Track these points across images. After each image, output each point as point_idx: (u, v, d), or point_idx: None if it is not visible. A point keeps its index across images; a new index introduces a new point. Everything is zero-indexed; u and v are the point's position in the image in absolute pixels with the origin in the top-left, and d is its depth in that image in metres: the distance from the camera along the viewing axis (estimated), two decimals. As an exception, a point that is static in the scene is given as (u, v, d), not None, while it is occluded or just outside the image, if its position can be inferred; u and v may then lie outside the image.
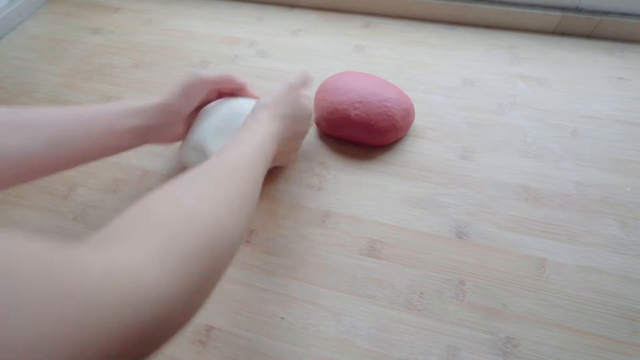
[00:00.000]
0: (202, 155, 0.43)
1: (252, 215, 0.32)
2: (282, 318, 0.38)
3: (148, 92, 0.59)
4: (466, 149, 0.50)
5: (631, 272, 0.39)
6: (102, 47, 0.67)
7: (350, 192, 0.47)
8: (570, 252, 0.41)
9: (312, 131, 0.53)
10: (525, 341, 0.36)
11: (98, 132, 0.37)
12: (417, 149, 0.50)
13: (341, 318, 0.38)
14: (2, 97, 0.60)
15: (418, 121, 0.53)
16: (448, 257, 0.41)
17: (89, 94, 0.60)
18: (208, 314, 0.38)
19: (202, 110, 0.46)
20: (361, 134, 0.49)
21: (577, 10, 0.62)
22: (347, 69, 0.61)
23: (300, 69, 0.47)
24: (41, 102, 0.59)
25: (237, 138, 0.35)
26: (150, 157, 0.51)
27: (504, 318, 0.37)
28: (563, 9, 0.62)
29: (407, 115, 0.49)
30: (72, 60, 0.65)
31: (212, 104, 0.46)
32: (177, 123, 0.44)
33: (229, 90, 0.48)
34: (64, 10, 0.76)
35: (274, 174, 0.48)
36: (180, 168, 0.50)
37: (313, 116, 0.47)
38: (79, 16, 0.74)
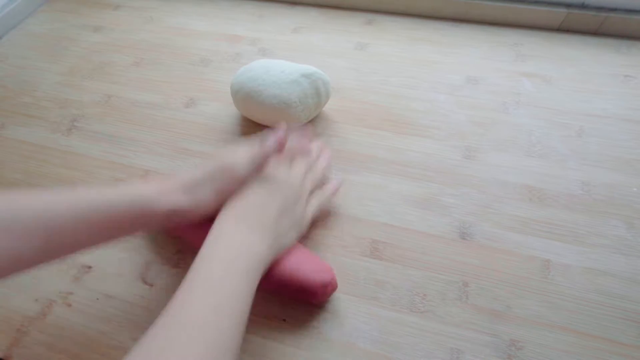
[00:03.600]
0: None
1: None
2: (284, 320, 0.38)
3: (149, 90, 0.59)
4: (470, 148, 0.49)
5: (638, 274, 0.39)
6: (103, 45, 0.67)
7: (352, 192, 0.46)
8: (576, 253, 0.40)
9: (315, 129, 0.52)
10: (530, 344, 0.36)
11: (104, 236, 0.32)
12: (420, 148, 0.50)
13: (343, 320, 0.37)
14: (2, 96, 0.60)
15: (421, 120, 0.53)
16: (451, 258, 0.41)
17: (90, 92, 0.59)
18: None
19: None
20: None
21: (583, 6, 0.61)
22: (349, 66, 0.60)
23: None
24: (42, 101, 0.59)
25: (210, 262, 0.30)
26: (151, 156, 0.51)
27: (507, 320, 0.37)
28: (568, 5, 0.61)
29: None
30: (72, 59, 0.65)
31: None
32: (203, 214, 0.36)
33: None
34: (65, 8, 0.76)
35: (275, 173, 0.48)
36: (180, 168, 0.50)
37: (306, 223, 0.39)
38: (79, 14, 0.74)
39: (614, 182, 0.45)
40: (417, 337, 0.36)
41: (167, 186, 0.33)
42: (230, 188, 0.35)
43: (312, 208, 0.40)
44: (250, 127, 0.53)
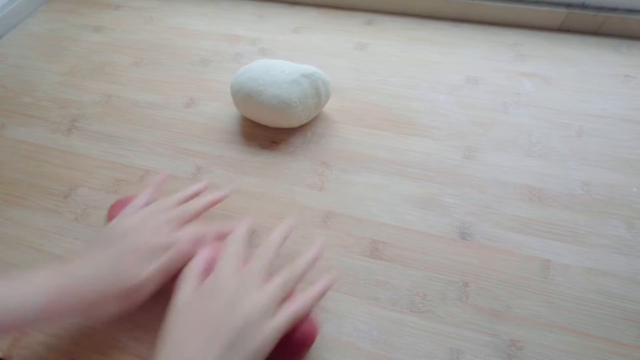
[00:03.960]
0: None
1: None
2: (284, 320, 0.38)
3: (149, 90, 0.59)
4: (470, 148, 0.49)
5: (638, 274, 0.39)
6: (103, 45, 0.67)
7: (352, 192, 0.46)
8: (576, 253, 0.40)
9: (315, 129, 0.52)
10: (530, 344, 0.36)
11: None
12: (420, 148, 0.50)
13: (343, 320, 0.37)
14: (2, 96, 0.60)
15: (421, 120, 0.53)
16: (451, 258, 0.41)
17: (90, 92, 0.59)
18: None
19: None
20: None
21: (583, 6, 0.61)
22: (349, 66, 0.60)
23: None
24: (42, 101, 0.59)
25: None
26: (151, 156, 0.51)
27: (507, 320, 0.37)
28: (569, 5, 0.61)
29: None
30: (72, 59, 0.65)
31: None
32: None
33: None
34: (65, 8, 0.76)
35: (274, 173, 0.48)
36: (181, 169, 0.50)
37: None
38: (79, 14, 0.74)
39: (614, 182, 0.45)
40: (417, 337, 0.36)
41: (61, 305, 0.30)
42: (136, 304, 0.33)
43: (281, 321, 0.30)
44: (250, 127, 0.53)
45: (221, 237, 0.36)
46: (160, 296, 0.39)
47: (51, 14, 0.75)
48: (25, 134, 0.55)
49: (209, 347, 0.27)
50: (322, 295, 0.33)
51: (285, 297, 0.32)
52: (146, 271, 0.32)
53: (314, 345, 0.36)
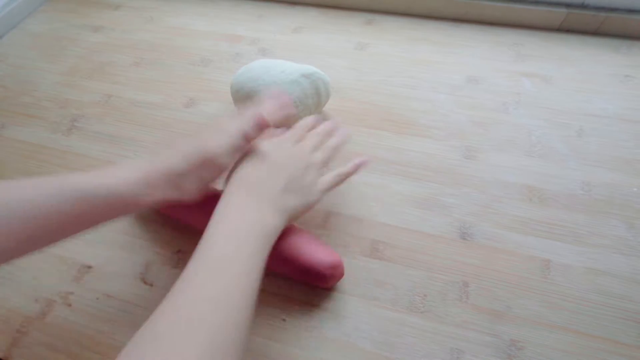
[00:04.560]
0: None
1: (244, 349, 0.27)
2: (284, 320, 0.38)
3: (149, 90, 0.59)
4: (470, 148, 0.49)
5: (638, 274, 0.39)
6: (103, 45, 0.67)
7: (352, 192, 0.46)
8: (576, 253, 0.40)
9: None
10: (530, 344, 0.35)
11: (86, 226, 0.32)
12: (420, 148, 0.50)
13: (343, 320, 0.37)
14: (2, 96, 0.60)
15: (421, 120, 0.53)
16: (452, 258, 0.41)
17: (90, 92, 0.59)
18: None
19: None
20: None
21: (583, 6, 0.61)
22: (349, 66, 0.60)
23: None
24: (42, 101, 0.59)
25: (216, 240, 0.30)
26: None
27: (508, 320, 0.37)
28: (568, 5, 0.61)
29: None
30: (72, 59, 0.65)
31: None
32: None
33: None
34: (65, 8, 0.76)
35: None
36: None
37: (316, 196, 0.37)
38: (79, 14, 0.74)
39: (614, 182, 0.45)
40: (417, 337, 0.36)
41: (152, 178, 0.33)
42: (214, 178, 0.36)
43: (325, 180, 0.38)
44: (250, 127, 0.53)
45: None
46: (159, 295, 0.39)
47: (51, 14, 0.75)
48: (25, 134, 0.55)
49: (274, 184, 0.35)
50: (355, 170, 0.40)
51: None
52: (220, 145, 0.35)
53: (314, 345, 0.36)
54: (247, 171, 0.36)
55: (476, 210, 0.44)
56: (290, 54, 0.63)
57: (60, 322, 0.38)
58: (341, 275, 0.38)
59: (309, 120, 0.42)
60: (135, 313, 0.38)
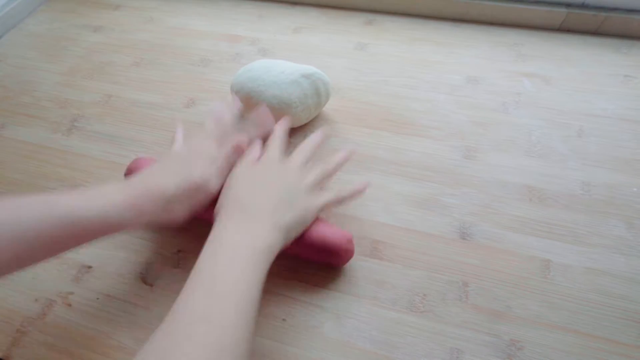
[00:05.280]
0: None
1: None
2: (284, 320, 0.38)
3: (149, 90, 0.59)
4: (470, 148, 0.49)
5: (638, 274, 0.39)
6: (103, 45, 0.67)
7: (352, 192, 0.46)
8: (576, 253, 0.40)
9: (315, 129, 0.52)
10: (530, 344, 0.35)
11: (73, 245, 0.32)
12: (420, 148, 0.50)
13: (343, 320, 0.37)
14: (2, 96, 0.60)
15: (421, 120, 0.53)
16: (451, 258, 0.41)
17: (90, 92, 0.59)
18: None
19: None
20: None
21: (583, 6, 0.61)
22: (349, 66, 0.60)
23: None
24: (42, 101, 0.59)
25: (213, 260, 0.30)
26: (151, 156, 0.51)
27: (508, 320, 0.37)
28: (568, 5, 0.61)
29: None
30: (72, 59, 0.65)
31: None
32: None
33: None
34: (64, 7, 0.76)
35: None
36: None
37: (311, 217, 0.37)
38: (79, 14, 0.74)
39: (614, 182, 0.45)
40: (417, 337, 0.36)
41: (141, 202, 0.33)
42: (203, 204, 0.37)
43: (323, 197, 0.38)
44: (250, 127, 0.53)
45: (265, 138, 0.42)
46: (159, 295, 0.39)
47: (51, 14, 0.75)
48: (25, 134, 0.55)
49: (267, 201, 0.34)
50: (356, 193, 0.40)
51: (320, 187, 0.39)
52: (209, 172, 0.36)
53: (314, 345, 0.36)
54: (237, 192, 0.36)
55: (476, 210, 0.44)
56: (290, 54, 0.63)
57: (60, 322, 0.38)
58: (352, 252, 0.39)
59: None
60: (135, 313, 0.38)
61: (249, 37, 0.66)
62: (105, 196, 0.32)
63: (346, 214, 0.44)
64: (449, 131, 0.51)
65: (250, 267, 0.30)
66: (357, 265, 0.41)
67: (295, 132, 0.52)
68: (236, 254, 0.30)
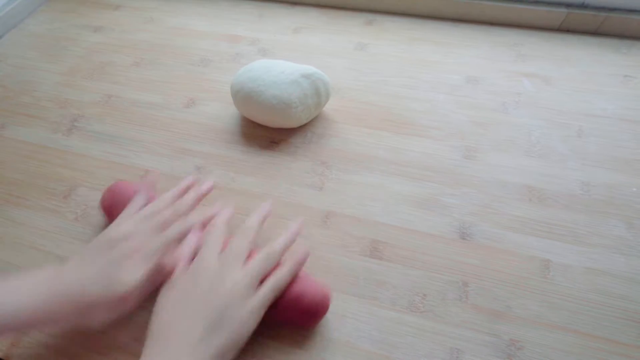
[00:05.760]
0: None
1: None
2: (284, 320, 0.38)
3: (149, 90, 0.59)
4: (470, 148, 0.49)
5: (638, 274, 0.39)
6: (103, 45, 0.67)
7: (352, 192, 0.46)
8: (576, 253, 0.40)
9: (315, 129, 0.52)
10: (530, 344, 0.36)
11: None
12: (420, 148, 0.50)
13: (343, 320, 0.37)
14: (2, 96, 0.60)
15: (421, 120, 0.53)
16: (451, 258, 0.41)
17: (90, 92, 0.59)
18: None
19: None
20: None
21: (583, 6, 0.61)
22: (349, 66, 0.60)
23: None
24: (42, 101, 0.59)
25: None
26: (151, 156, 0.51)
27: (507, 320, 0.37)
28: (568, 5, 0.61)
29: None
30: (72, 59, 0.65)
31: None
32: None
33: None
34: (65, 8, 0.76)
35: (274, 173, 0.48)
36: (181, 173, 0.50)
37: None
38: (79, 14, 0.74)
39: (614, 182, 0.45)
40: (417, 337, 0.36)
41: (57, 304, 0.31)
42: (127, 311, 0.34)
43: (259, 296, 0.32)
44: (250, 127, 0.53)
45: (206, 224, 0.38)
46: (158, 294, 0.39)
47: (51, 14, 0.75)
48: (25, 134, 0.55)
49: (191, 329, 0.30)
50: (298, 266, 0.35)
51: (265, 275, 0.33)
52: (136, 279, 0.32)
53: (314, 344, 0.36)
54: (162, 318, 0.31)
55: (476, 210, 0.44)
56: (290, 54, 0.63)
57: (60, 322, 0.38)
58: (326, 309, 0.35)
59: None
60: (135, 313, 0.38)
61: (249, 37, 0.66)
62: (20, 290, 0.30)
63: (346, 214, 0.44)
64: (448, 131, 0.51)
65: None
66: (357, 266, 0.41)
67: (295, 132, 0.52)
68: None
